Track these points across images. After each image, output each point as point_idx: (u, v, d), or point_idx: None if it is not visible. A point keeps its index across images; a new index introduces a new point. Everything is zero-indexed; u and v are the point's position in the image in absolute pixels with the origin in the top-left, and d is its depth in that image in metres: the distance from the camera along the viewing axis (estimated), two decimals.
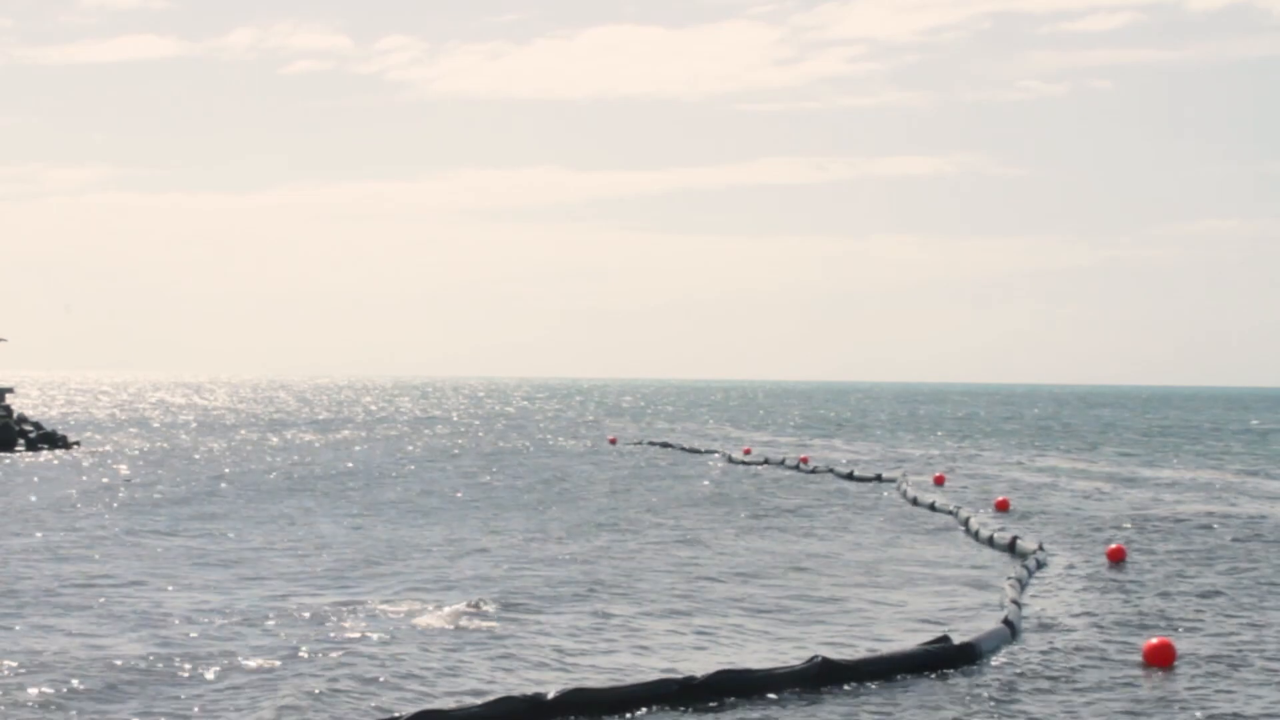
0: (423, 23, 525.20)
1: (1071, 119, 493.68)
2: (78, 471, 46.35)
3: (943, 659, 16.58)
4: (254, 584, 22.19)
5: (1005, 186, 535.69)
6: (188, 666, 16.04)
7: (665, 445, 67.34)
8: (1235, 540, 29.85)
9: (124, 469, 47.83)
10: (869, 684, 15.71)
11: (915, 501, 38.23)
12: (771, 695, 15.18)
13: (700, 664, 16.36)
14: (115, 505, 34.91)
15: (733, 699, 14.95)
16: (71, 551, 25.80)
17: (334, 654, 16.76)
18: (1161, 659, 16.85)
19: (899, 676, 16.02)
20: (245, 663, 16.24)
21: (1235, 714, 14.71)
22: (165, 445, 63.67)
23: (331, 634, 18.00)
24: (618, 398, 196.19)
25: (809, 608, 20.88)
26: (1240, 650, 17.86)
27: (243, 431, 79.00)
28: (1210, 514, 35.47)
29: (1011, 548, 27.72)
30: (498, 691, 14.61)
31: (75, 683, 15.22)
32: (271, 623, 18.72)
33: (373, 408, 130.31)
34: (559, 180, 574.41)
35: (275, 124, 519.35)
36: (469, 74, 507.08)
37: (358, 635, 17.94)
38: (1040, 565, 25.50)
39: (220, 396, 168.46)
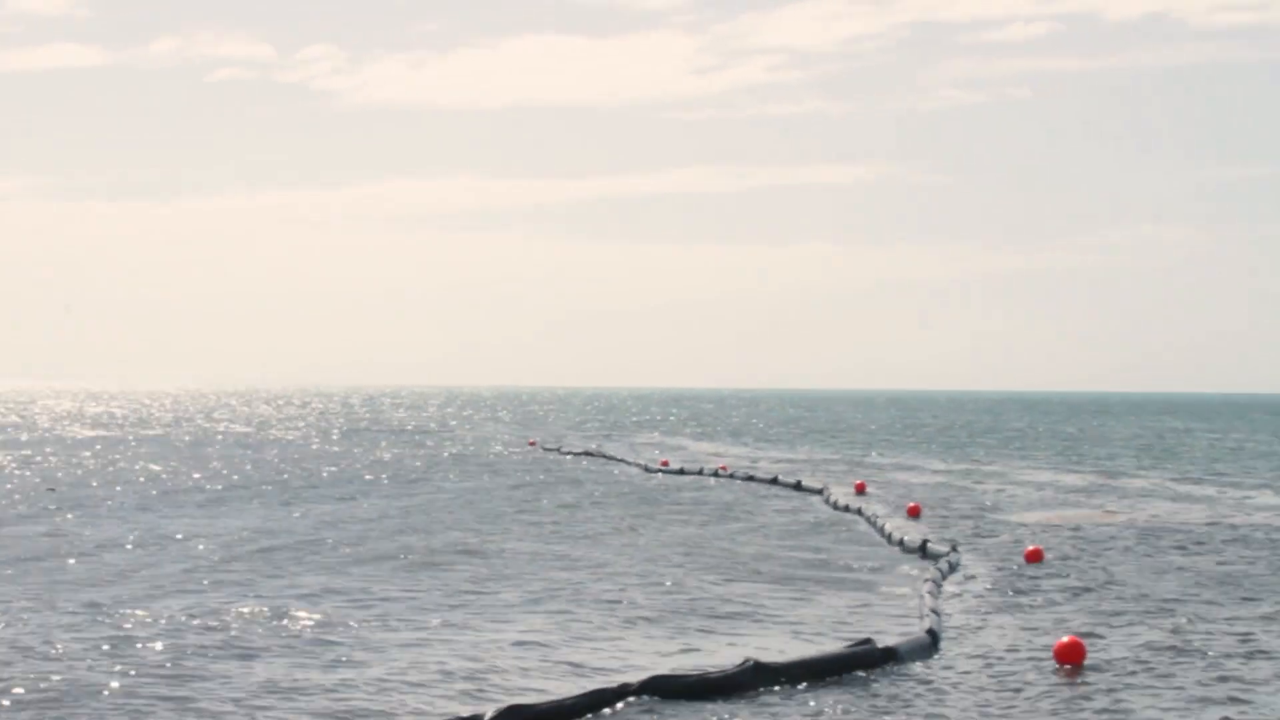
0: (344, 32, 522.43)
1: (992, 127, 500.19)
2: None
3: (866, 661, 16.89)
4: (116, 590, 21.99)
5: (929, 194, 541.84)
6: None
7: (586, 454, 67.38)
8: (1150, 542, 30.47)
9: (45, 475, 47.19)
10: (797, 686, 15.97)
11: (835, 506, 38.75)
12: (707, 699, 15.37)
13: (631, 671, 16.49)
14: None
15: (668, 704, 15.12)
16: None
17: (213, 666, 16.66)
18: (1071, 657, 17.19)
19: (825, 679, 16.29)
20: (118, 683, 16.09)
21: (1151, 713, 15.09)
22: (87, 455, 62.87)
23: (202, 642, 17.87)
24: (536, 405, 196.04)
25: (731, 610, 21.13)
26: (1155, 649, 18.30)
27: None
28: (1126, 517, 36.15)
29: (923, 550, 28.14)
30: (427, 716, 14.34)
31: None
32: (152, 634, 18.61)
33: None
34: (482, 189, 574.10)
35: (199, 132, 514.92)
36: (392, 83, 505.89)
37: (248, 645, 17.81)
38: (954, 567, 26.01)
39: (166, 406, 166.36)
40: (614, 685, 15.28)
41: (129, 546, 28.31)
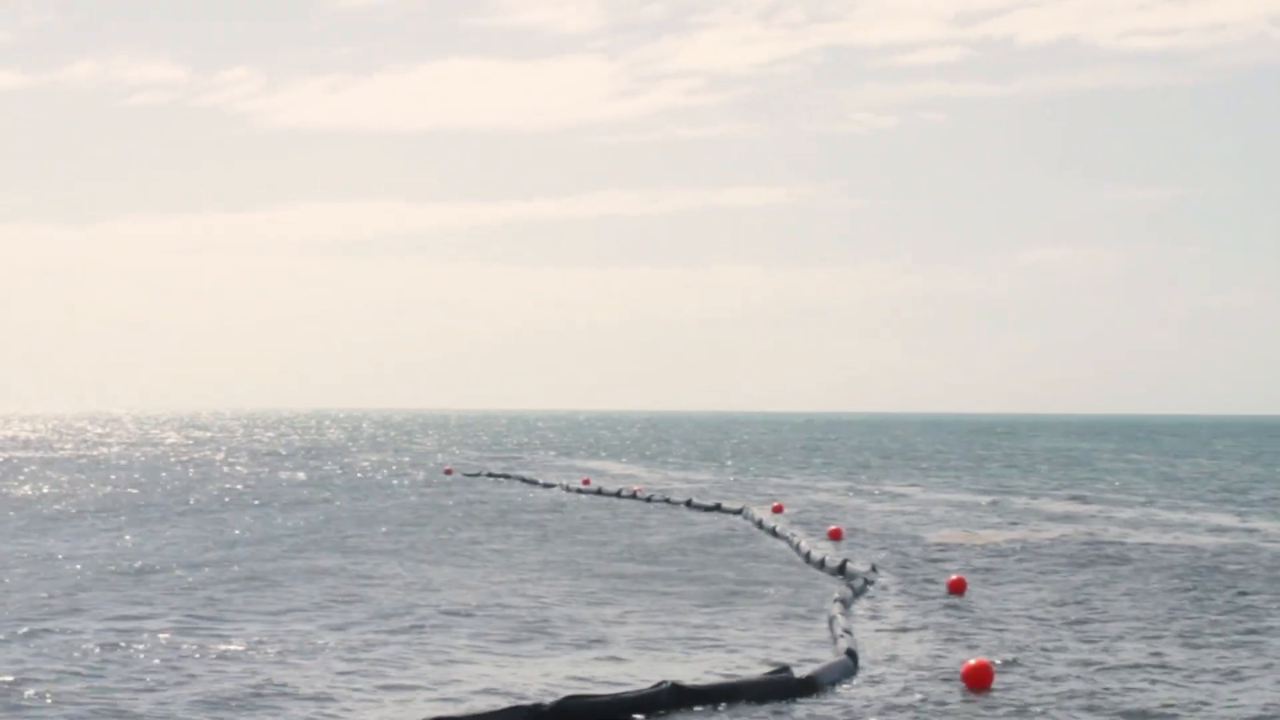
0: (263, 55, 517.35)
1: (906, 150, 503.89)
2: None
3: (786, 683, 16.93)
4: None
5: (845, 217, 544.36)
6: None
7: (504, 476, 67.17)
8: (1056, 562, 30.86)
9: None
10: (715, 710, 15.99)
11: (758, 524, 38.96)
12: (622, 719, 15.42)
13: (547, 690, 16.47)
14: None
15: None
16: None
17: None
18: (978, 679, 17.32)
19: (743, 701, 16.32)
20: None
21: None
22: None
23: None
24: (450, 430, 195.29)
25: (648, 631, 21.16)
26: (1063, 668, 18.52)
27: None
28: (1031, 536, 36.59)
29: (843, 570, 28.29)
30: None
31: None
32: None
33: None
34: (401, 212, 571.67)
35: (117, 155, 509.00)
36: (310, 106, 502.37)
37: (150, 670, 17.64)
38: (868, 584, 26.24)
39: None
40: (528, 704, 15.24)
41: (20, 569, 27.96)
